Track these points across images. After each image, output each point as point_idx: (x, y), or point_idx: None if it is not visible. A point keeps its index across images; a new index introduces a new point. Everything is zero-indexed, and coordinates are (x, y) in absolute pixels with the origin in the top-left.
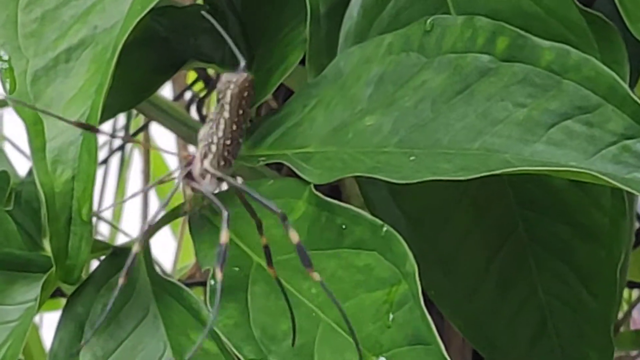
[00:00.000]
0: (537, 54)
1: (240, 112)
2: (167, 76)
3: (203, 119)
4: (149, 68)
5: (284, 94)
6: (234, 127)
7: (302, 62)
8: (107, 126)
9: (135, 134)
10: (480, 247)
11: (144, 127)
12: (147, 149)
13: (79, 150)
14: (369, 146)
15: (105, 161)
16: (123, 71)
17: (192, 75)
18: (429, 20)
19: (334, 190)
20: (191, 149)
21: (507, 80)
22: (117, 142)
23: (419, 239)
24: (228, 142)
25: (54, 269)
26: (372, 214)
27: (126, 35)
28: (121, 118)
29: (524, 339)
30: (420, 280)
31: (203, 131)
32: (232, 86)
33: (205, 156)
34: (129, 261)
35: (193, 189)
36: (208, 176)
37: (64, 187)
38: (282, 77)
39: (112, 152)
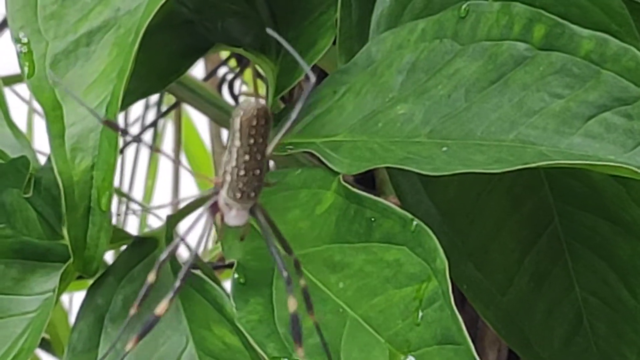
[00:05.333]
0: (575, 43)
1: (251, 141)
2: (192, 60)
3: (235, 99)
4: (174, 52)
5: (317, 76)
6: (247, 158)
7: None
8: (138, 103)
9: (167, 112)
10: (514, 241)
11: (175, 106)
12: (179, 125)
13: (99, 137)
14: (399, 136)
15: (137, 138)
16: (147, 55)
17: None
18: (463, 6)
19: (367, 174)
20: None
21: (543, 69)
22: (150, 117)
23: (450, 231)
24: (242, 172)
25: None
26: (403, 204)
27: (150, 18)
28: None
29: (559, 336)
30: (452, 273)
31: (223, 158)
32: (241, 113)
33: (222, 186)
34: (142, 291)
35: (222, 222)
36: (234, 209)
37: (83, 176)
38: (311, 61)
39: (144, 129)
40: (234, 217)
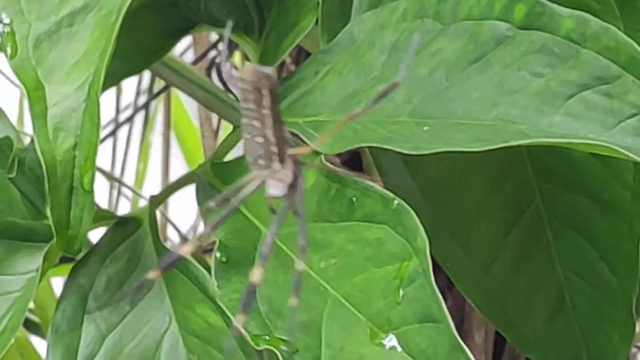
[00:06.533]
0: (555, 22)
1: (245, 105)
2: (176, 40)
3: (224, 82)
4: (156, 32)
5: (305, 56)
6: (245, 120)
7: None
8: (131, 86)
9: (156, 95)
10: (496, 220)
11: (165, 89)
12: (168, 110)
13: (81, 117)
14: (381, 115)
15: (129, 119)
16: (129, 35)
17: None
18: None
19: (354, 156)
20: (213, 116)
21: (524, 49)
22: (141, 101)
23: (433, 210)
24: (247, 136)
25: None
26: (386, 184)
27: None
28: (146, 77)
29: (541, 314)
30: (435, 252)
31: None
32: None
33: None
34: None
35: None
36: (273, 178)
37: (66, 156)
38: (293, 42)
39: (135, 112)
40: (272, 186)
